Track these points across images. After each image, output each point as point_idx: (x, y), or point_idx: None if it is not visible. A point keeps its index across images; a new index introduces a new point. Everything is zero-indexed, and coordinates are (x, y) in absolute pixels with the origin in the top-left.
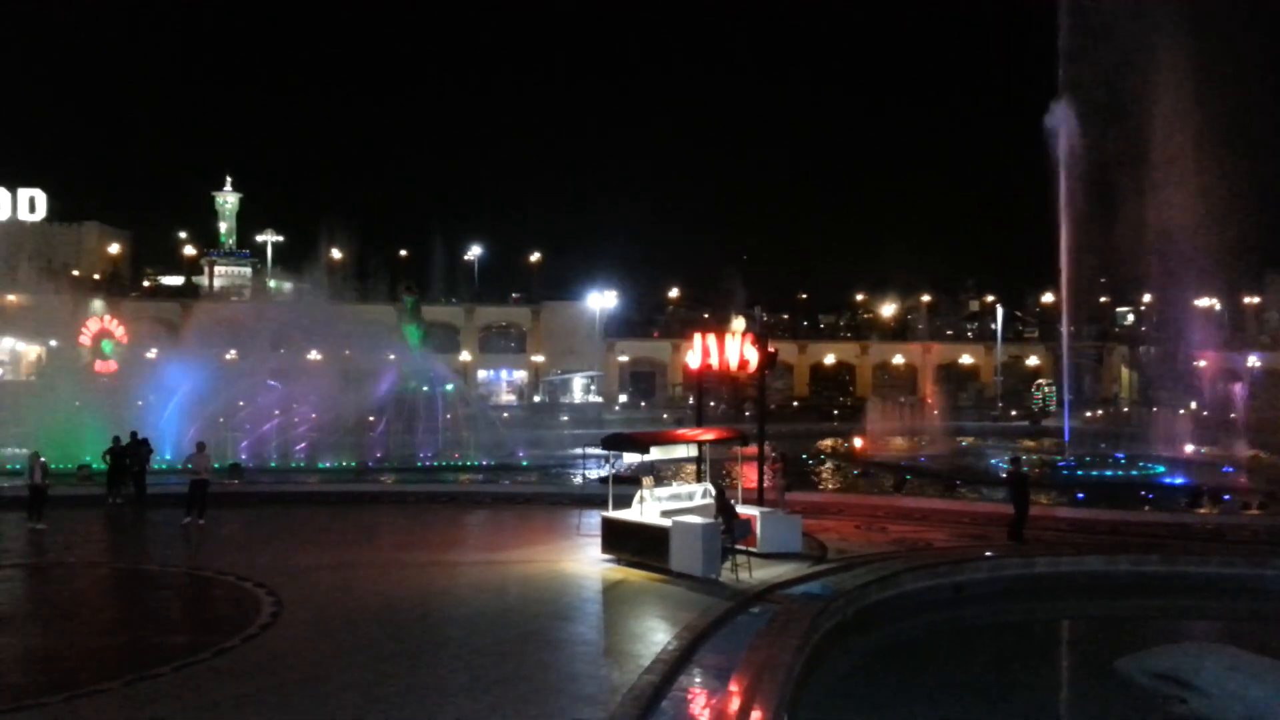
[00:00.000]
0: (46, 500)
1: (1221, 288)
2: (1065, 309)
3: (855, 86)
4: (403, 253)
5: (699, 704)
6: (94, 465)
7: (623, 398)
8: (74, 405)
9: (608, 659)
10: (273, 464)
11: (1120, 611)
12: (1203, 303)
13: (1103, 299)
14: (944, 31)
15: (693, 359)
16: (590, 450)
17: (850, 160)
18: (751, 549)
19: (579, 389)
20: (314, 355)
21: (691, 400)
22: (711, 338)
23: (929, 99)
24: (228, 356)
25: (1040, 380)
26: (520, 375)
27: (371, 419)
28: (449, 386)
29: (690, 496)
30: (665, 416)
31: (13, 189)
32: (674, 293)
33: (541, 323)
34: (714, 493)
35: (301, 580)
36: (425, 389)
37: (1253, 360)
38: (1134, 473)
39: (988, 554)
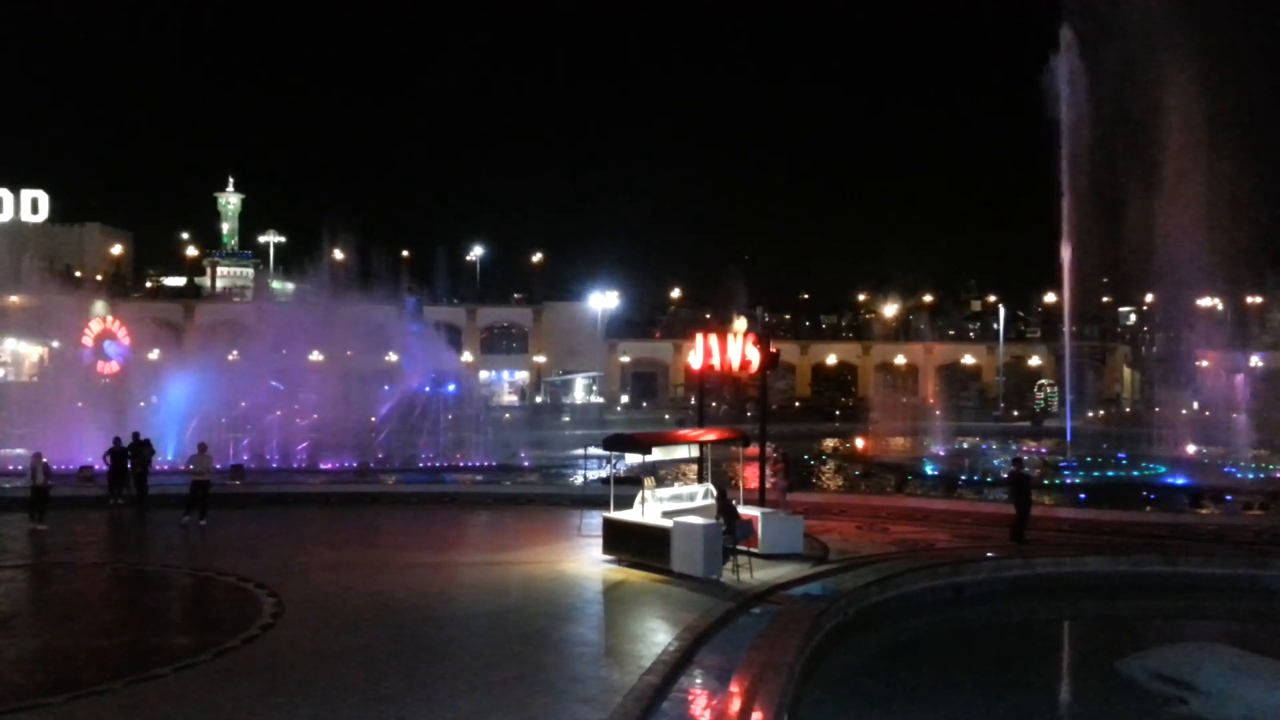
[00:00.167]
0: (48, 501)
1: (1224, 287)
2: (1067, 309)
3: (855, 86)
4: (405, 253)
5: (700, 705)
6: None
7: (624, 398)
8: (76, 406)
9: (608, 660)
10: (274, 464)
11: (1121, 612)
12: (1205, 302)
13: (1105, 299)
14: (944, 32)
15: (694, 359)
16: (592, 451)
17: (851, 160)
18: (753, 550)
19: (581, 389)
20: (315, 356)
21: (693, 401)
22: (713, 338)
23: (929, 99)
24: (229, 357)
25: (1042, 380)
26: (522, 376)
27: (373, 419)
28: (451, 387)
29: (691, 497)
30: (667, 417)
31: (15, 190)
32: (676, 293)
33: (543, 323)
34: (715, 493)
35: (302, 581)
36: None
37: (1255, 360)
38: (1135, 473)
39: (989, 555)
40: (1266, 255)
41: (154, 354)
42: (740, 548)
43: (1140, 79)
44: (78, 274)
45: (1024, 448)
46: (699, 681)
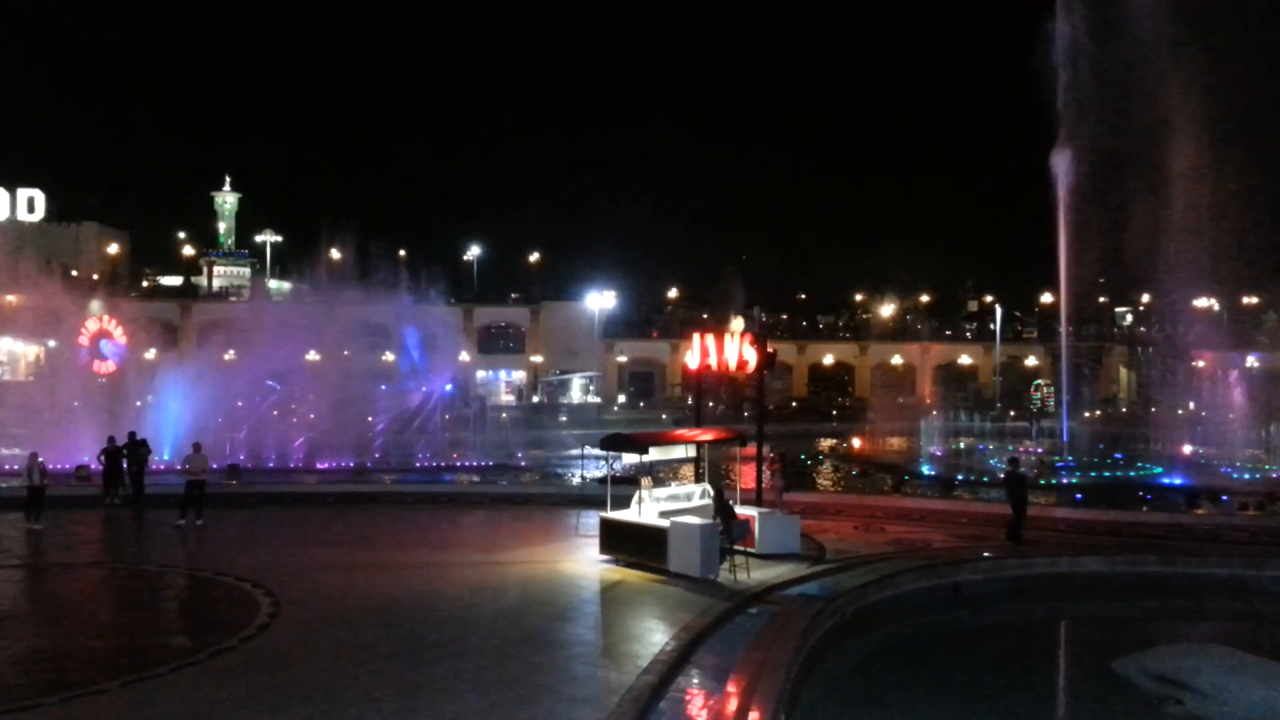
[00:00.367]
0: (44, 501)
1: (1221, 288)
2: (1064, 309)
3: (855, 86)
4: (402, 253)
5: (697, 705)
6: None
7: (621, 398)
8: (72, 406)
9: (606, 660)
10: (271, 464)
11: (1118, 612)
12: (1202, 303)
13: (1101, 299)
14: (944, 32)
15: (692, 359)
16: (589, 450)
17: (850, 160)
18: (750, 549)
19: (578, 389)
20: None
21: (690, 401)
22: (710, 338)
23: (929, 99)
24: (225, 357)
25: (1039, 380)
26: (519, 376)
27: (370, 419)
28: (448, 387)
29: (689, 497)
30: (664, 417)
31: (11, 189)
32: (673, 293)
33: (541, 323)
34: (712, 493)
35: (299, 580)
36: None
37: (1251, 361)
38: (1132, 473)
39: (986, 555)
40: (1264, 256)
41: (150, 353)
42: (737, 548)
43: (1139, 79)
44: (74, 273)
45: (1021, 448)
46: (696, 681)
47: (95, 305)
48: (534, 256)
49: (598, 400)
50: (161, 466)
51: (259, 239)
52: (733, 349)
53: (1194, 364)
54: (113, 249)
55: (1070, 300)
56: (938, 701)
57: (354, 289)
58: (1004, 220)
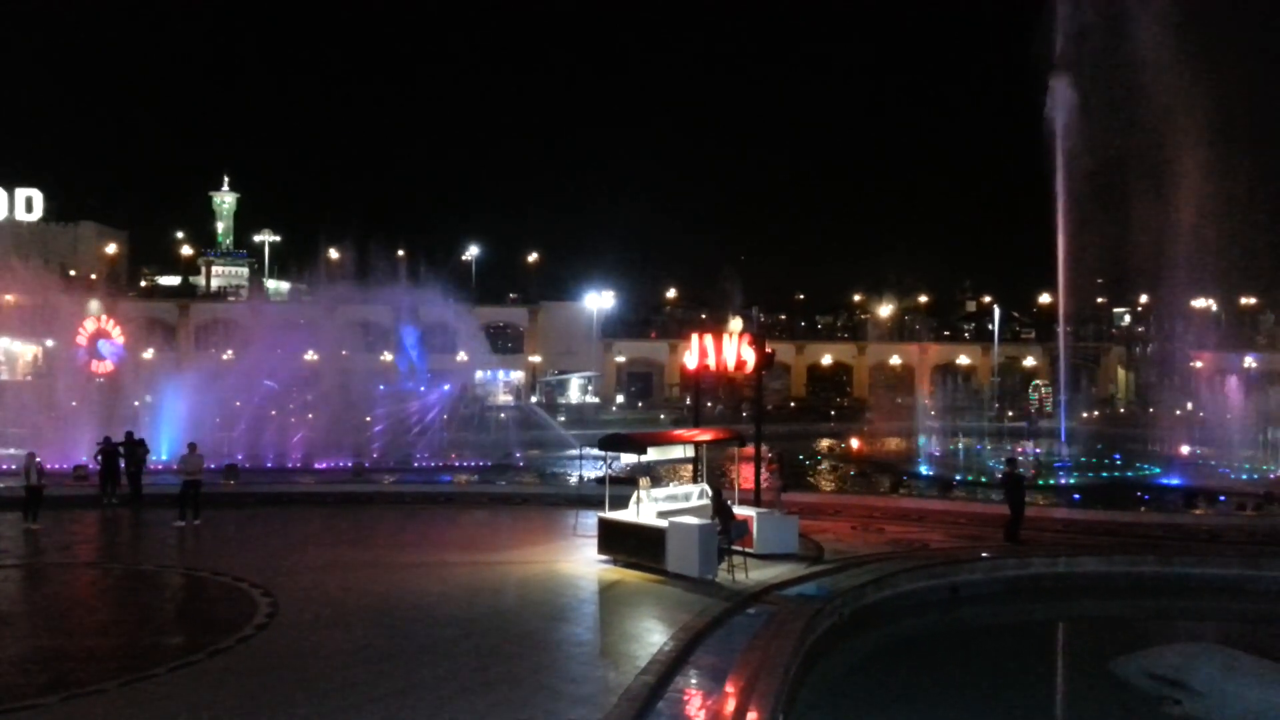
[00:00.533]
0: (42, 501)
1: (1219, 289)
2: (1062, 309)
3: (855, 86)
4: (400, 252)
5: (695, 705)
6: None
7: (620, 398)
8: (71, 405)
9: (604, 660)
10: (269, 464)
11: (1116, 612)
12: (1200, 304)
13: (1100, 300)
14: (944, 31)
15: (690, 359)
16: (588, 450)
17: (849, 160)
18: (748, 550)
19: (576, 389)
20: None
21: (688, 401)
22: (709, 338)
23: (929, 99)
24: (224, 357)
25: (1037, 381)
26: (517, 376)
27: (368, 419)
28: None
29: (687, 497)
30: (662, 417)
31: (9, 188)
32: (671, 293)
33: (539, 323)
34: (711, 493)
35: (297, 581)
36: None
37: (1249, 361)
38: (1130, 473)
39: (984, 555)
40: (1262, 256)
41: (148, 354)
42: (735, 548)
43: (1138, 79)
44: (72, 273)
45: (1019, 448)
46: (694, 682)
47: (93, 305)
48: (532, 256)
49: (596, 400)
50: (159, 466)
51: (257, 239)
52: (731, 349)
53: (1192, 365)
54: (111, 249)
55: (1068, 301)
56: (935, 701)
57: (353, 289)
58: (1002, 221)
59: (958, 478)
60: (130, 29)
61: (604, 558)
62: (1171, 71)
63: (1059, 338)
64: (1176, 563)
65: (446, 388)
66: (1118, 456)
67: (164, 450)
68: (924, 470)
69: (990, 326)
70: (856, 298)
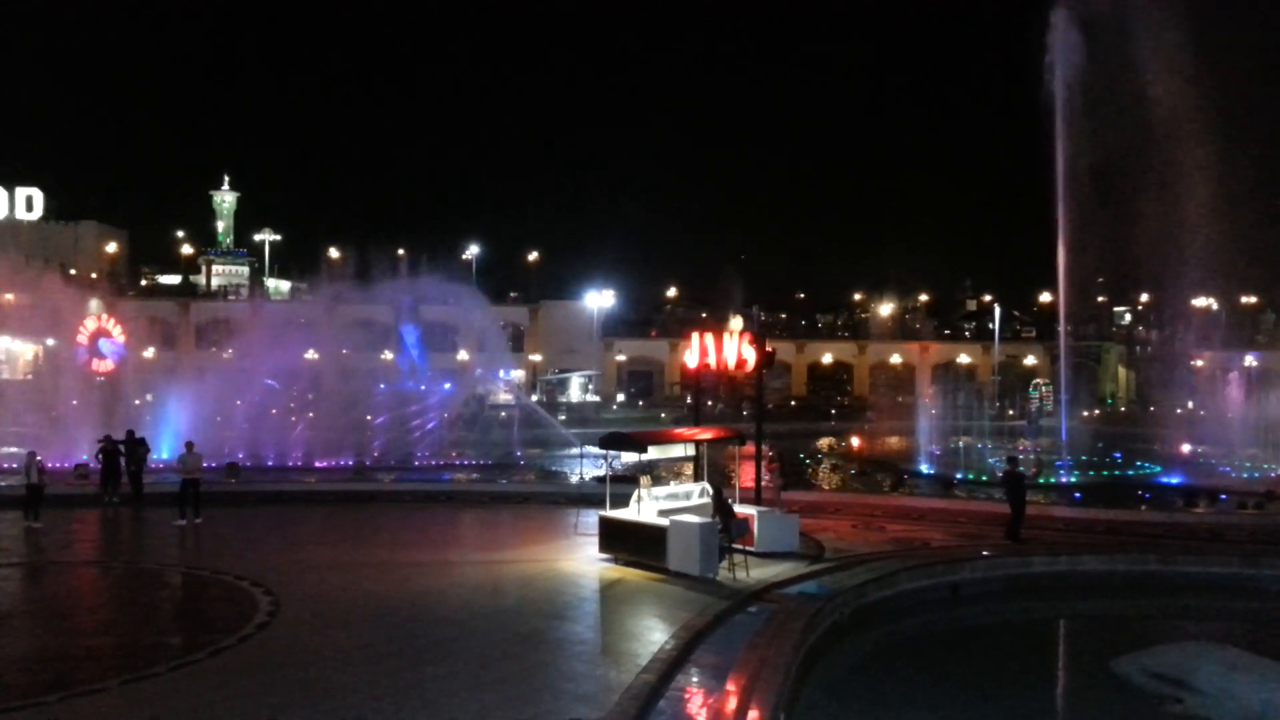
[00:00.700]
0: (43, 499)
1: (1219, 287)
2: (1063, 308)
3: (855, 86)
4: (401, 251)
5: (696, 703)
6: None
7: (620, 397)
8: (71, 404)
9: (605, 658)
10: (270, 462)
11: (1117, 611)
12: (1200, 302)
13: (1100, 298)
14: (944, 32)
15: (691, 358)
16: (588, 449)
17: (849, 160)
18: (749, 548)
19: (577, 388)
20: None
21: (689, 400)
22: (709, 337)
23: (929, 99)
24: (224, 355)
25: (1037, 380)
26: (518, 374)
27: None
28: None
29: (688, 496)
30: (663, 416)
31: (10, 188)
32: (672, 292)
33: (539, 322)
34: (711, 492)
35: (298, 579)
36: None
37: (1250, 360)
38: (1130, 472)
39: (985, 553)
40: (1263, 255)
41: (149, 352)
42: (736, 546)
43: (1138, 78)
44: (72, 272)
45: (1019, 447)
46: (695, 680)
47: (94, 304)
48: (533, 255)
49: (597, 399)
50: (160, 465)
51: (257, 238)
52: (731, 348)
53: (1193, 363)
54: (111, 248)
55: (1069, 299)
56: (936, 700)
57: (353, 288)
58: (1003, 220)
59: (958, 476)
60: (130, 29)
61: (605, 556)
62: (1173, 69)
63: (1059, 336)
64: (1178, 561)
65: (447, 386)
66: (1118, 455)
67: (164, 449)
68: (924, 469)
69: (991, 325)
70: (857, 297)
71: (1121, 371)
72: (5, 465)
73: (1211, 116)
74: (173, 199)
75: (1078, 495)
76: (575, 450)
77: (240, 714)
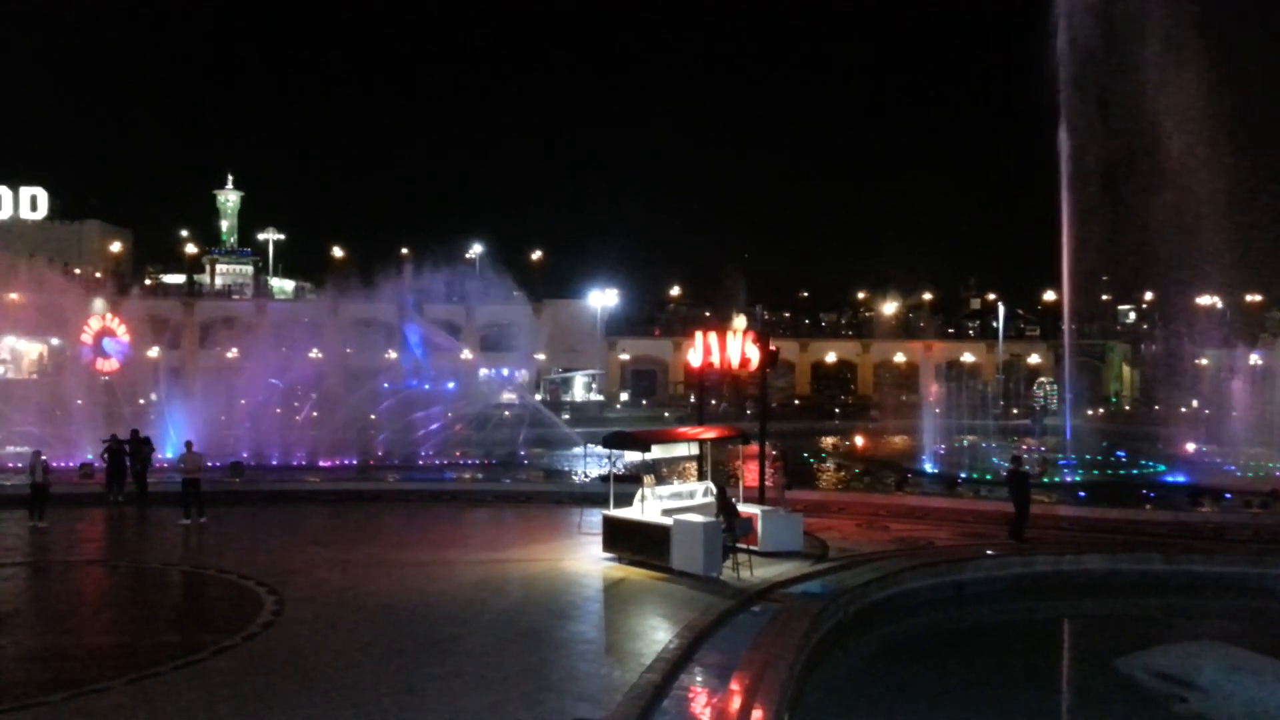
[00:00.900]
0: (48, 499)
1: (1224, 285)
2: (1067, 307)
3: (855, 86)
4: (404, 250)
5: (700, 703)
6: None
7: (624, 396)
8: (76, 404)
9: (609, 658)
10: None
11: (1121, 610)
12: (1205, 301)
13: (1105, 297)
14: (944, 32)
15: (694, 357)
16: (592, 448)
17: (851, 159)
18: (753, 547)
19: (580, 387)
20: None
21: (693, 399)
22: (713, 336)
23: (929, 99)
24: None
25: (1041, 379)
26: (522, 373)
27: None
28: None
29: (691, 495)
30: (667, 415)
31: (14, 187)
32: (675, 291)
33: (543, 321)
34: (715, 491)
35: (303, 579)
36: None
37: (1254, 358)
38: (1135, 471)
39: (989, 553)
40: (1267, 253)
41: (153, 352)
42: (740, 545)
43: (1141, 77)
44: (77, 271)
45: (1023, 446)
46: (699, 679)
47: (98, 303)
48: (536, 255)
49: (600, 398)
50: (165, 464)
51: (261, 237)
52: (735, 347)
53: (1197, 362)
54: (115, 247)
55: (1073, 298)
56: (940, 700)
57: (359, 286)
58: (1006, 218)
59: (962, 475)
60: (132, 29)
61: (608, 555)
62: (1177, 67)
63: (1064, 335)
64: (1182, 561)
65: (451, 385)
66: (1123, 454)
67: (169, 448)
68: (928, 468)
69: (995, 324)
70: (860, 295)
71: (1126, 370)
72: (11, 465)
73: (1217, 112)
74: (176, 198)
75: (1082, 494)
76: (579, 449)
77: (245, 713)
